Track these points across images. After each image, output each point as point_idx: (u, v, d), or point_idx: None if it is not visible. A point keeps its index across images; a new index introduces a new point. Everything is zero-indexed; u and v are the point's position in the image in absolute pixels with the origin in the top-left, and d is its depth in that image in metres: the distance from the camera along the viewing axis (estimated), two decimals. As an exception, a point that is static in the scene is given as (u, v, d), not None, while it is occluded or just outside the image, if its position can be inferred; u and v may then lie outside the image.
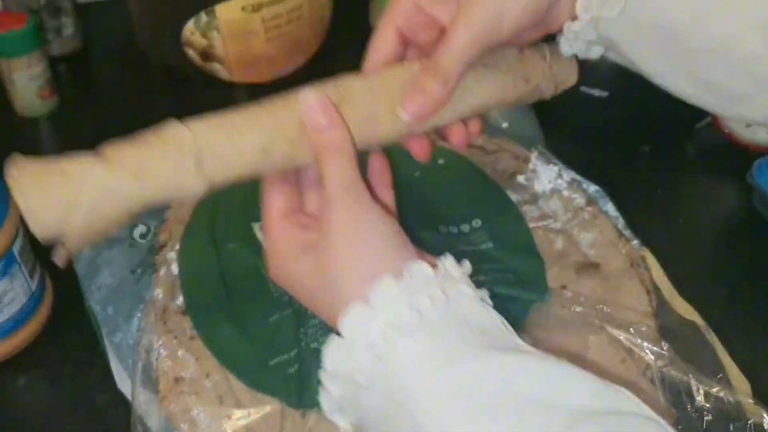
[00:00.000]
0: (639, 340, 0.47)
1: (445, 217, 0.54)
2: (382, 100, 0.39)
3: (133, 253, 0.52)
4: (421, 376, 0.32)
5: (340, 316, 0.33)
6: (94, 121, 0.64)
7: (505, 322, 0.35)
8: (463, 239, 0.52)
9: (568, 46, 0.41)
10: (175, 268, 0.49)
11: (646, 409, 0.30)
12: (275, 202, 0.38)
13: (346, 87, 0.39)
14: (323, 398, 0.35)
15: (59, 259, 0.35)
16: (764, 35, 0.34)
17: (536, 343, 0.45)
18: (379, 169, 0.41)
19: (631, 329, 0.47)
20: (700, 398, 0.44)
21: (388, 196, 0.41)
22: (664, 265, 0.53)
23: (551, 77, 0.43)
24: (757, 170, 0.58)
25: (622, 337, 0.46)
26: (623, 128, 0.65)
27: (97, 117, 0.64)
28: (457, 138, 0.42)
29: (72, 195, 0.33)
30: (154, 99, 0.66)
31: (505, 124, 0.63)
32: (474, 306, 0.34)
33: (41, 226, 0.33)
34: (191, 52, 0.64)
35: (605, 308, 0.49)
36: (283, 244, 0.37)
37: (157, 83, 0.67)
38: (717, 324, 0.49)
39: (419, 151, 0.42)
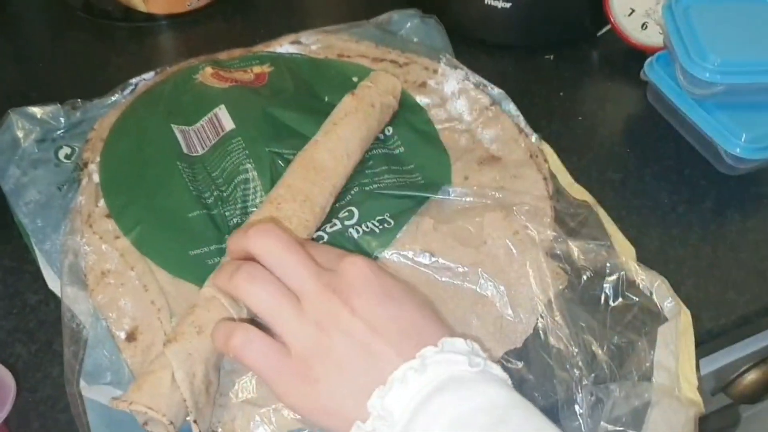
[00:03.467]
0: (533, 218, 0.51)
1: None
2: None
3: (58, 172, 0.54)
4: None
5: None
6: (13, 58, 0.66)
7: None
8: (379, 144, 0.56)
9: None
10: (96, 178, 0.52)
11: None
12: None
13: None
14: None
15: None
16: None
17: (437, 225, 0.50)
18: None
19: (526, 208, 0.51)
20: (583, 261, 0.49)
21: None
22: (563, 158, 0.57)
23: (383, 92, 0.55)
24: (647, 67, 0.62)
25: (516, 214, 0.51)
26: (527, 38, 0.69)
27: (15, 55, 0.66)
28: None
29: None
30: (74, 35, 0.68)
31: (415, 39, 0.66)
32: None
33: None
34: (108, -14, 0.66)
35: (504, 193, 0.53)
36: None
37: (75, 18, 0.69)
38: (610, 204, 0.54)
39: None
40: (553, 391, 0.44)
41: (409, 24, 0.67)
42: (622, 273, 0.47)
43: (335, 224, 0.48)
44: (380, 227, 0.49)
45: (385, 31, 0.66)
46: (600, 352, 0.45)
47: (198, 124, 0.54)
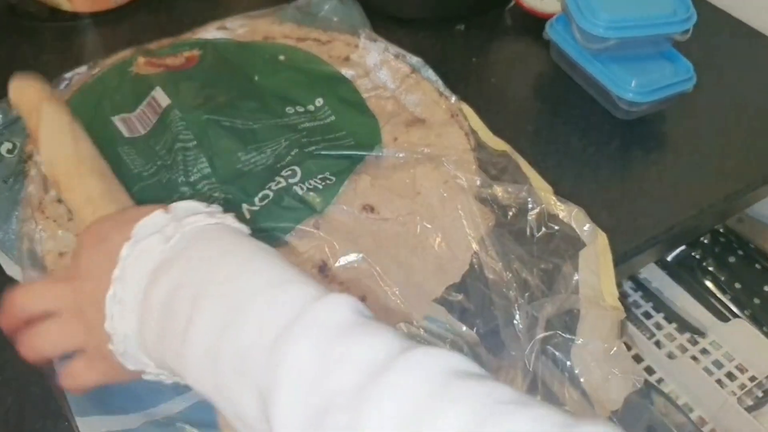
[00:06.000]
0: (460, 169, 0.56)
1: (293, 101, 0.61)
2: None
3: (2, 167, 0.56)
4: None
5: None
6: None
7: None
8: (311, 117, 0.59)
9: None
10: (43, 168, 0.54)
11: None
12: None
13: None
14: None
15: None
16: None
17: (374, 181, 0.54)
18: None
19: (454, 158, 0.56)
20: (508, 200, 0.54)
21: None
22: (481, 116, 0.62)
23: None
24: (549, 28, 0.68)
25: (445, 165, 0.55)
26: (439, 11, 0.74)
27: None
28: None
29: None
30: (14, 45, 0.69)
31: (335, 18, 0.70)
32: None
33: None
34: (31, -12, 0.67)
35: (432, 149, 0.57)
36: None
37: (0, 22, 0.70)
38: (527, 152, 0.59)
39: None
40: (492, 317, 0.49)
41: (327, 6, 0.70)
42: (543, 207, 0.53)
43: (279, 182, 0.52)
44: (323, 184, 0.52)
45: (306, 13, 0.69)
46: (530, 277, 0.50)
47: (138, 110, 0.57)
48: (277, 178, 0.52)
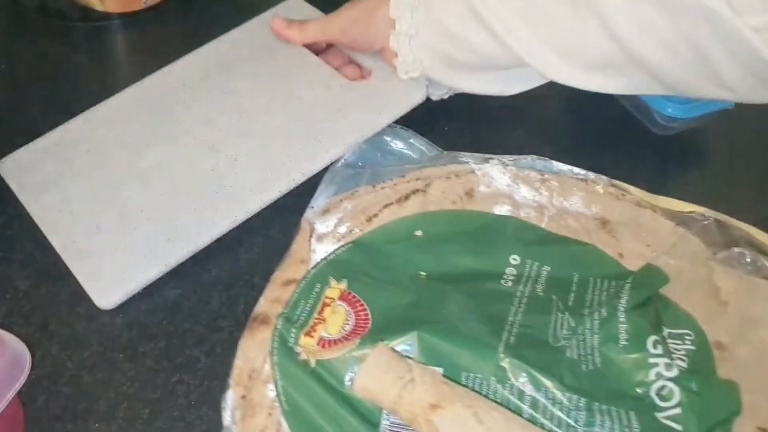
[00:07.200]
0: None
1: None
2: None
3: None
4: None
5: None
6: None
7: None
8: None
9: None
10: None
11: None
12: None
13: None
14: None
15: None
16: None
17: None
18: None
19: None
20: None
21: None
22: (504, 128, 0.61)
23: None
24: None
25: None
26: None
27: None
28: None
29: None
30: (31, 36, 0.68)
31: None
32: None
33: None
34: (61, -14, 0.67)
35: (669, 255, 0.49)
36: None
37: (30, 20, 0.69)
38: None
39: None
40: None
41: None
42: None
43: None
44: None
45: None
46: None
47: None
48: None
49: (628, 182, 0.57)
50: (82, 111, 0.59)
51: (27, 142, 0.56)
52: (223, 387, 0.42)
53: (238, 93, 0.58)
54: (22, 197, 0.52)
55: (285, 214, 0.53)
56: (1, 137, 0.58)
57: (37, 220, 0.51)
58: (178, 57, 0.62)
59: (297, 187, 0.53)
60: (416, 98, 0.57)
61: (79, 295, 0.47)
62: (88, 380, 0.44)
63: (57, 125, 0.57)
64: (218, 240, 0.50)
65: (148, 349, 0.46)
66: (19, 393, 0.38)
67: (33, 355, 0.44)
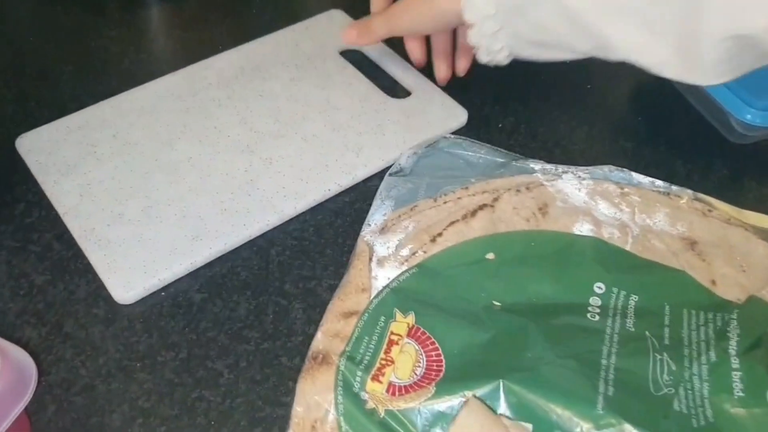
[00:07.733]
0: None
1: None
2: None
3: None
4: None
5: None
6: (1, 35, 0.62)
7: None
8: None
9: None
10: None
11: None
12: None
13: None
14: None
15: None
16: None
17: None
18: None
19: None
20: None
21: None
22: (573, 126, 0.56)
23: None
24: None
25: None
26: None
27: (3, 31, 0.63)
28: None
29: None
30: (62, 8, 0.64)
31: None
32: None
33: None
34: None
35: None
36: None
37: (75, 3, 0.66)
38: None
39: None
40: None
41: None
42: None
43: None
44: None
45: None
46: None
47: None
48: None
49: (700, 189, 0.51)
50: (111, 89, 0.56)
51: (50, 120, 0.53)
52: (245, 407, 0.39)
53: (276, 96, 0.55)
54: (40, 178, 0.49)
55: (319, 214, 0.49)
56: (24, 112, 0.55)
57: (54, 202, 0.48)
58: (216, 41, 0.59)
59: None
60: (457, 122, 0.56)
61: (98, 295, 0.44)
62: (101, 390, 0.41)
63: (83, 103, 0.54)
64: (247, 241, 0.47)
65: (168, 359, 0.42)
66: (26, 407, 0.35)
67: (44, 360, 0.41)
